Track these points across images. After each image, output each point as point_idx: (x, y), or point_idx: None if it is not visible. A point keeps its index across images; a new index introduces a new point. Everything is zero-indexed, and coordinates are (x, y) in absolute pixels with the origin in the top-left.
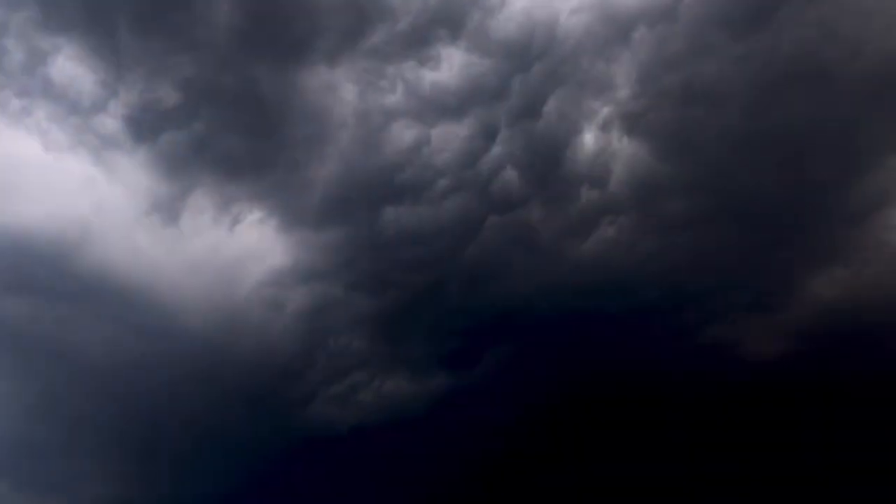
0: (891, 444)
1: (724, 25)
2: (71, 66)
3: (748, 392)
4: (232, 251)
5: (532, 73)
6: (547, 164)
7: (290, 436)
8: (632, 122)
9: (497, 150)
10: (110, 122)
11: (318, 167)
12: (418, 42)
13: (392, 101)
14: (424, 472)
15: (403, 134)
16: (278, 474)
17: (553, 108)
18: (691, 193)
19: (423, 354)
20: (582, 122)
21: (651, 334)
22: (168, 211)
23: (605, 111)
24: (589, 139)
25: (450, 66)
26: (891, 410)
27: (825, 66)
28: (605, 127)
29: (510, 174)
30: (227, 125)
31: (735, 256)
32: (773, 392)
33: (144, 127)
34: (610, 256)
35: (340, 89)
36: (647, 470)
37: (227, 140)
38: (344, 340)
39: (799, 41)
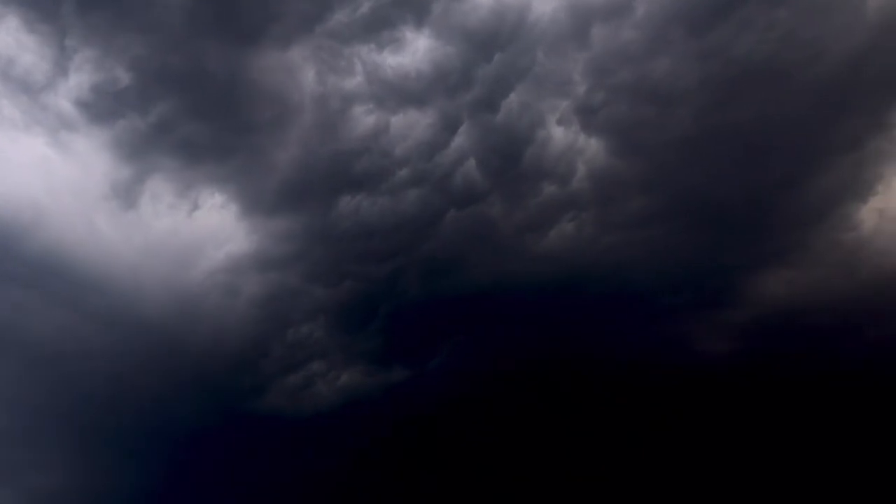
0: (832, 437)
1: (682, 23)
2: (15, 40)
3: (697, 386)
4: (190, 236)
5: (497, 63)
6: (508, 158)
7: (242, 426)
8: (589, 118)
9: (459, 141)
10: (63, 101)
11: (276, 152)
12: (380, 25)
13: (351, 85)
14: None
15: (363, 120)
16: (224, 466)
17: (515, 100)
18: (647, 191)
19: (379, 346)
20: (544, 117)
21: (605, 328)
22: (126, 194)
23: (564, 105)
24: (550, 134)
25: (413, 51)
26: (832, 407)
27: (783, 66)
28: (565, 122)
29: (471, 167)
30: (184, 108)
31: (688, 254)
32: (720, 386)
33: (99, 108)
34: (569, 251)
35: (298, 72)
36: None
37: (185, 123)
38: (301, 331)
39: (758, 42)
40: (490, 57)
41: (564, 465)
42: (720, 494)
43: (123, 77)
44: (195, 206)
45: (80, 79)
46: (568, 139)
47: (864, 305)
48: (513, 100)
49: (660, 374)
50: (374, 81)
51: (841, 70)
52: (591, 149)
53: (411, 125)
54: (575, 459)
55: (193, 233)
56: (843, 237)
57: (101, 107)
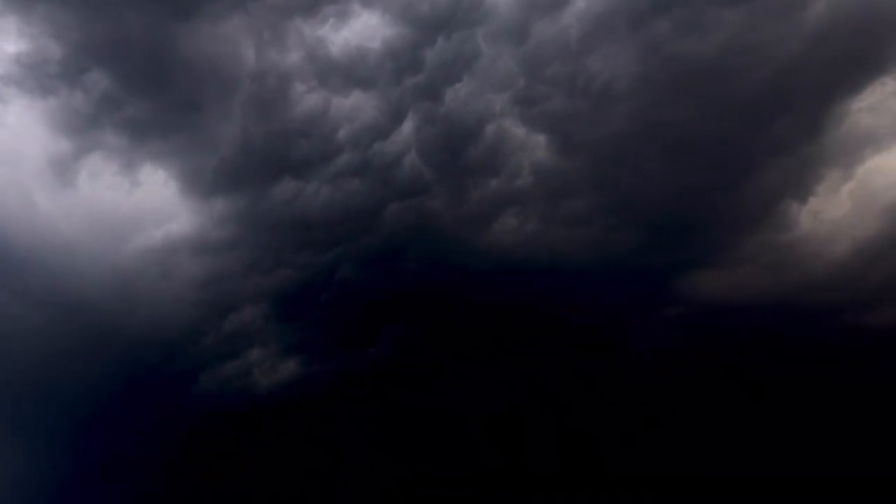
0: (752, 434)
1: (623, 19)
2: None
3: (629, 386)
4: (129, 215)
5: (443, 48)
6: (452, 149)
7: (173, 416)
8: (530, 113)
9: (404, 127)
10: None
11: (214, 131)
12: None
13: (291, 62)
14: None
15: (303, 101)
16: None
17: (461, 90)
18: (586, 188)
19: (316, 336)
20: (489, 108)
21: (538, 323)
22: (64, 169)
23: (505, 98)
24: (496, 127)
25: (361, 30)
26: (752, 405)
27: (725, 68)
28: (508, 115)
29: (415, 157)
30: (117, 82)
31: (624, 251)
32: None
33: (33, 80)
34: (509, 246)
35: (237, 46)
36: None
37: (122, 98)
38: (237, 318)
39: (702, 43)
40: (439, 39)
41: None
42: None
43: (52, 48)
44: (136, 184)
45: (6, 48)
46: (511, 133)
47: (789, 307)
48: (458, 89)
49: (588, 362)
50: (315, 59)
51: (780, 74)
52: (532, 144)
53: (356, 109)
54: (524, 446)
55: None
56: (777, 238)
57: (36, 79)
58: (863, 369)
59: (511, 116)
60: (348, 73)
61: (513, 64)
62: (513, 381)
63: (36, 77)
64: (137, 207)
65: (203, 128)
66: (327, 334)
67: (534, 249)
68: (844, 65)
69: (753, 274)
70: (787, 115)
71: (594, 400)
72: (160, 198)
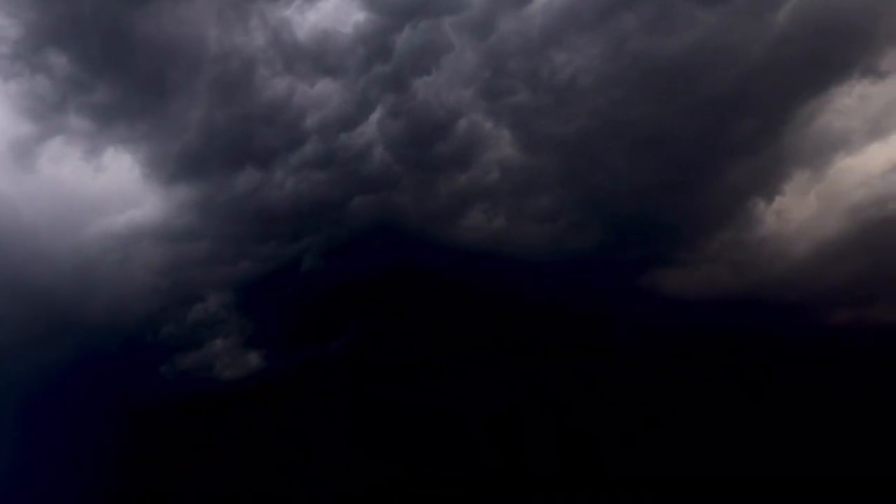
0: (723, 434)
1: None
2: None
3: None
4: (92, 200)
5: (412, 36)
6: (420, 141)
7: (132, 406)
8: (496, 107)
9: (372, 119)
10: None
11: (177, 115)
12: None
13: (255, 45)
14: None
15: (268, 87)
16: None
17: (429, 82)
18: (552, 185)
19: (280, 328)
20: (458, 103)
21: (505, 319)
22: (26, 152)
23: (472, 92)
24: (462, 122)
25: (328, 14)
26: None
27: (693, 66)
28: (475, 110)
29: (382, 149)
30: (79, 63)
31: (588, 247)
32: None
33: None
34: (475, 242)
35: (199, 28)
36: None
37: (84, 80)
38: (199, 308)
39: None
40: (406, 28)
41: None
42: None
43: (7, 28)
44: (100, 168)
45: None
46: (478, 128)
47: (751, 306)
48: (427, 81)
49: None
50: (280, 43)
51: (748, 74)
52: (499, 140)
53: (323, 96)
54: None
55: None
56: (742, 237)
57: None
58: (823, 368)
59: (478, 111)
60: (315, 59)
61: (479, 57)
62: (480, 374)
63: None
64: (101, 192)
65: (167, 113)
66: (291, 327)
67: (502, 244)
68: (813, 67)
69: (716, 272)
70: (754, 115)
71: (550, 396)
72: (124, 183)
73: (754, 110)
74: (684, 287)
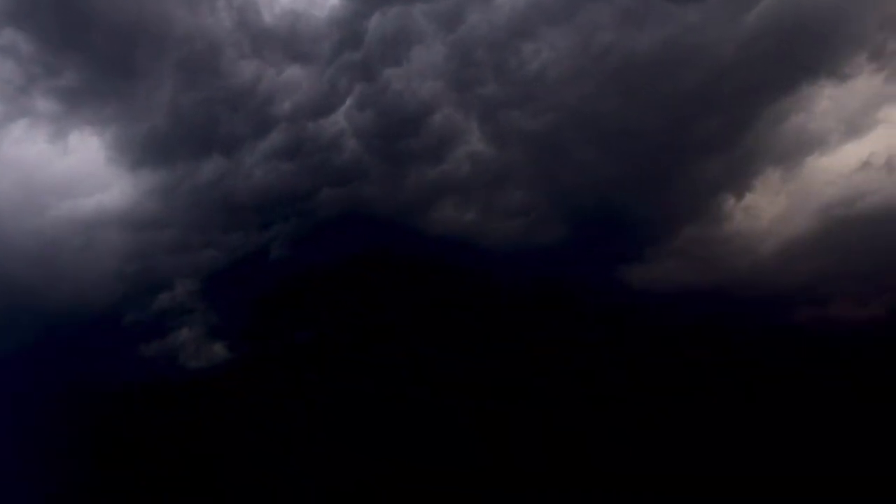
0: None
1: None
2: None
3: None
4: (57, 183)
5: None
6: (391, 132)
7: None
8: (465, 99)
9: (342, 108)
10: None
11: (144, 98)
12: None
13: (222, 29)
14: None
15: (235, 71)
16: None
17: (402, 73)
18: (519, 179)
19: (245, 318)
20: (428, 95)
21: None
22: None
23: (441, 85)
24: (431, 114)
25: None
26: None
27: (664, 63)
28: (445, 102)
29: (351, 139)
30: (43, 44)
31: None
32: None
33: None
34: (447, 234)
35: (165, 6)
36: None
37: (49, 62)
38: (163, 296)
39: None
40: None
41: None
42: None
43: None
44: (66, 151)
45: None
46: (448, 120)
47: (714, 302)
48: (397, 72)
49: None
50: (247, 25)
51: (720, 72)
52: (469, 133)
53: (292, 83)
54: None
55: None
56: (709, 233)
57: None
58: (786, 364)
59: (448, 103)
60: (285, 44)
61: (448, 48)
62: (451, 363)
63: None
64: (66, 175)
65: (133, 95)
66: (258, 316)
67: (473, 236)
68: (782, 67)
69: (682, 267)
70: (722, 113)
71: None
72: (90, 167)
73: (723, 108)
74: (652, 282)
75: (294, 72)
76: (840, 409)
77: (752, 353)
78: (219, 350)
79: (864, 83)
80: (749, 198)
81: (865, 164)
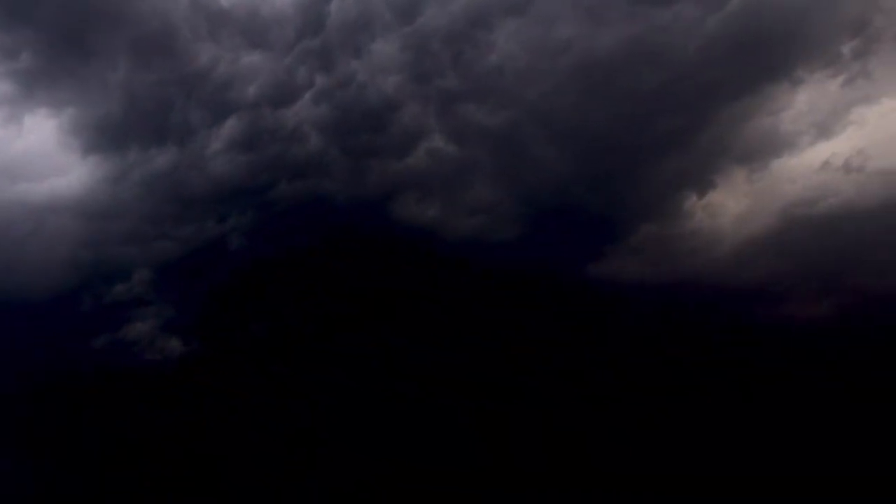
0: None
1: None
2: None
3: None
4: (9, 166)
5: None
6: (351, 125)
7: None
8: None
9: (303, 99)
10: None
11: (97, 81)
12: None
13: (179, 9)
14: None
15: (193, 55)
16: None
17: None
18: (480, 176)
19: (200, 311)
20: (388, 88)
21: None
22: None
23: (400, 79)
24: (393, 108)
25: None
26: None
27: (628, 61)
28: (406, 96)
29: (310, 131)
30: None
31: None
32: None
33: None
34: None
35: None
36: None
37: (5, 44)
38: (116, 287)
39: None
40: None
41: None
42: None
43: None
44: (21, 134)
45: None
46: (409, 116)
47: (671, 298)
48: (357, 64)
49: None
50: (204, 7)
51: (683, 72)
52: (429, 128)
53: (252, 71)
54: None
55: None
56: (670, 229)
57: None
58: (741, 360)
59: (407, 97)
60: (243, 27)
61: (406, 42)
62: (408, 353)
63: None
64: (20, 159)
65: (88, 78)
66: (213, 308)
67: (434, 230)
68: (749, 69)
69: (640, 263)
70: (687, 112)
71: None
72: (44, 151)
73: (685, 107)
74: (610, 277)
75: (252, 58)
76: (790, 405)
77: (704, 349)
78: (174, 343)
79: (828, 86)
80: (711, 196)
81: (825, 166)
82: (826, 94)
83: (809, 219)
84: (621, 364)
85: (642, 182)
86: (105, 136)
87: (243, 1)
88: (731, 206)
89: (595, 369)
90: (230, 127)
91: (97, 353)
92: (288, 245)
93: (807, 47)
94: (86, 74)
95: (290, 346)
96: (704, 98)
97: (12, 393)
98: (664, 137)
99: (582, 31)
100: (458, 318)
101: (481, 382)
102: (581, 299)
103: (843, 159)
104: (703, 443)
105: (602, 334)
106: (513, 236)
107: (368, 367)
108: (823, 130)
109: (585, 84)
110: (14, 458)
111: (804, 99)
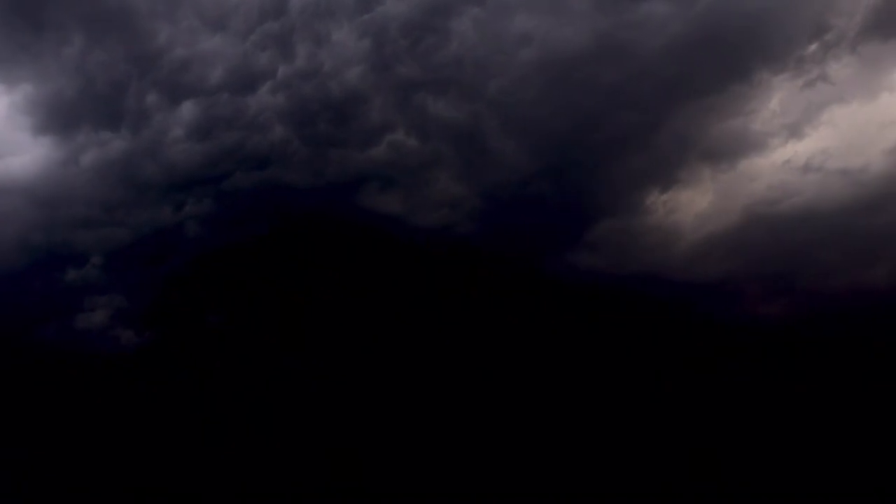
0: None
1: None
2: None
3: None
4: None
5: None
6: (310, 114)
7: None
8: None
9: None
10: None
11: (53, 58)
12: None
13: None
14: None
15: (150, 34)
16: None
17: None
18: (443, 171)
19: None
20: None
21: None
22: None
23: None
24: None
25: None
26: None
27: (592, 57)
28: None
29: (269, 119)
30: None
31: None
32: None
33: None
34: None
35: None
36: None
37: None
38: (67, 274)
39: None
40: None
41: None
42: None
43: None
44: None
45: None
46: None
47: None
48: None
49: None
50: None
51: (646, 69)
52: (392, 120)
53: (210, 53)
54: None
55: None
56: (626, 227)
57: None
58: (695, 359)
59: (370, 88)
60: (202, 9)
61: (366, 33)
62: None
63: None
64: None
65: (42, 53)
66: (167, 298)
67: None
68: (717, 68)
69: (597, 258)
70: (653, 108)
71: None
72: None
73: (647, 104)
74: (572, 271)
75: (212, 42)
76: (739, 402)
77: (658, 344)
78: (127, 333)
79: (795, 87)
80: (674, 193)
81: (786, 165)
82: (794, 95)
83: (769, 218)
84: (576, 356)
85: (604, 177)
86: (58, 116)
87: None
88: (694, 204)
89: (550, 361)
90: (188, 112)
91: (46, 342)
92: (246, 234)
93: (772, 49)
94: (40, 50)
95: (248, 337)
96: (669, 95)
97: None
98: (627, 133)
99: (544, 23)
100: (417, 309)
101: (440, 371)
102: (540, 292)
103: (805, 159)
104: (657, 437)
105: (559, 326)
106: (474, 230)
107: (328, 356)
108: (793, 131)
109: (548, 78)
110: None
111: (771, 99)
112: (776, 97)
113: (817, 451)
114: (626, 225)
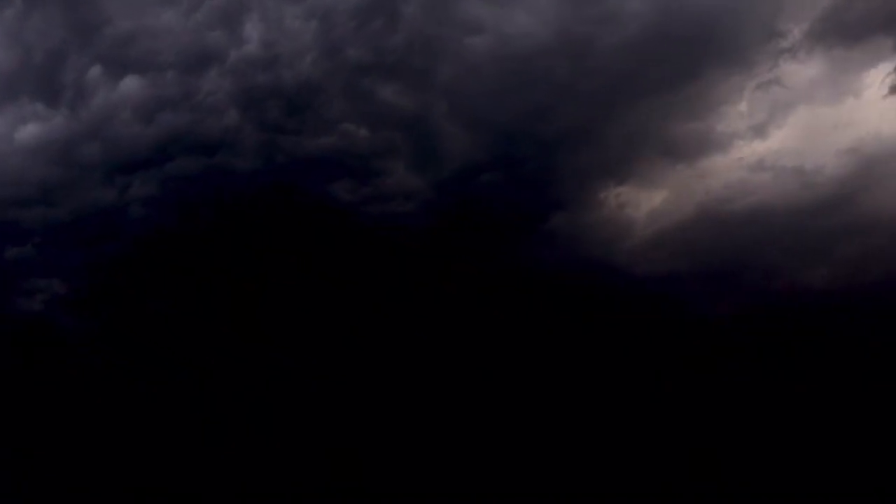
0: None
1: None
2: None
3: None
4: None
5: None
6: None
7: None
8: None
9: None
10: None
11: None
12: None
13: None
14: None
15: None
16: None
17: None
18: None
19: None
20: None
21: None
22: None
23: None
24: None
25: None
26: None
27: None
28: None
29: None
30: None
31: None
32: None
33: None
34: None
35: None
36: None
37: None
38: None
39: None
40: None
41: None
42: None
43: None
44: None
45: None
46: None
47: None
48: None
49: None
50: None
51: (603, 64)
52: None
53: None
54: None
55: None
56: (580, 220)
57: None
58: (630, 357)
59: (318, 73)
60: None
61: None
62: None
63: None
64: None
65: None
66: (109, 284)
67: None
68: (676, 66)
69: (552, 250)
70: (608, 103)
71: None
72: None
73: (600, 99)
74: (522, 264)
75: (160, 14)
76: (681, 400)
77: (602, 340)
78: (64, 319)
79: (754, 87)
80: (629, 188)
81: (739, 162)
82: (759, 96)
83: (720, 216)
84: (523, 349)
85: (557, 171)
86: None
87: None
88: (648, 200)
89: (499, 354)
90: (131, 89)
91: None
92: (191, 218)
93: (735, 49)
94: None
95: (192, 324)
96: (625, 91)
97: None
98: (582, 127)
99: (497, 10)
100: (366, 299)
101: (388, 362)
102: (490, 285)
103: (758, 158)
104: (605, 434)
105: (509, 320)
106: (426, 222)
107: (275, 343)
108: (757, 131)
109: (500, 68)
110: None
111: (735, 99)
112: (740, 97)
113: (763, 454)
114: (580, 219)
